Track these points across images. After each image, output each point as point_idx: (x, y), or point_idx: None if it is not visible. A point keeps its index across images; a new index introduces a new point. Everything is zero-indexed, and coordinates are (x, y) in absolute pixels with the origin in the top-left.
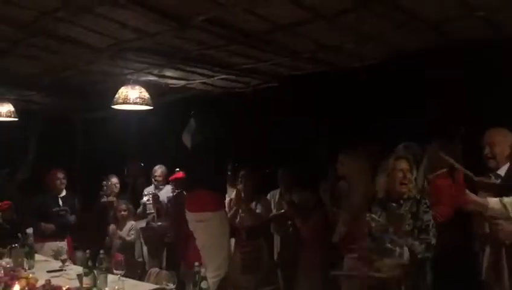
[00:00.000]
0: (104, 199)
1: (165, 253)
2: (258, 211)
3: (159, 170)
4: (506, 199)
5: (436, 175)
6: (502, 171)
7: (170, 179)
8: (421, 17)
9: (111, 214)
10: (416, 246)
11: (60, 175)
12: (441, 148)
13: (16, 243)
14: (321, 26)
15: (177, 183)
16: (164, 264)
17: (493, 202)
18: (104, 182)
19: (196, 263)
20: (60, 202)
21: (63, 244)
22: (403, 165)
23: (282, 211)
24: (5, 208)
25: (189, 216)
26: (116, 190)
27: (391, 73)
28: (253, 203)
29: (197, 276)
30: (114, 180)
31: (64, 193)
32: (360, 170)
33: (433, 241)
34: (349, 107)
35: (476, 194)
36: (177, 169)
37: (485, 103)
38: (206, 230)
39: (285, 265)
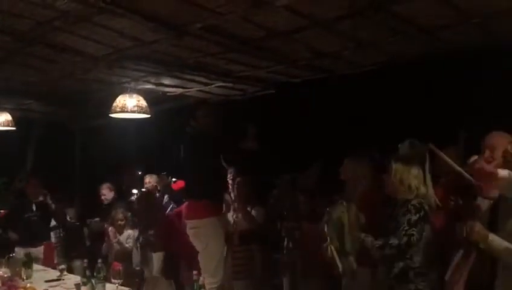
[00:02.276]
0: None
1: (156, 261)
2: (251, 216)
3: (147, 178)
4: None
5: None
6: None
7: (175, 189)
8: (417, 24)
9: (108, 222)
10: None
11: (38, 185)
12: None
13: (13, 252)
14: (318, 33)
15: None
16: (155, 272)
17: (502, 173)
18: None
19: (194, 272)
20: (34, 208)
21: (35, 251)
22: (400, 167)
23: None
24: (2, 215)
25: (187, 224)
26: (106, 202)
27: (391, 78)
28: (248, 209)
29: (195, 285)
30: (104, 191)
31: (41, 199)
32: (362, 174)
33: (394, 242)
34: (349, 112)
35: (475, 200)
36: (174, 179)
37: (485, 106)
38: (197, 237)
39: (291, 270)
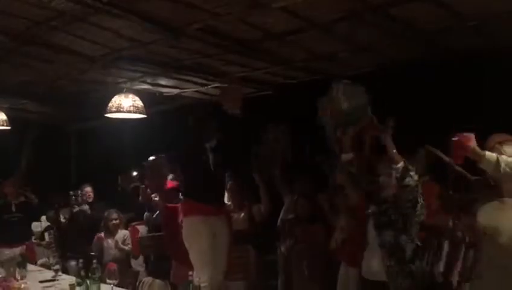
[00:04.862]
0: (77, 209)
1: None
2: (246, 217)
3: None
4: (503, 157)
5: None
6: None
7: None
8: (414, 27)
9: (101, 224)
10: None
11: (16, 185)
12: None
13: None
14: (315, 35)
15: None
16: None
17: (489, 155)
18: (71, 192)
19: (190, 273)
20: (13, 208)
21: (13, 252)
22: None
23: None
24: None
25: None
26: (90, 199)
27: (387, 80)
28: (243, 210)
29: (190, 285)
30: (88, 189)
31: (21, 199)
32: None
33: None
34: None
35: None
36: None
37: (483, 110)
38: (185, 236)
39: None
